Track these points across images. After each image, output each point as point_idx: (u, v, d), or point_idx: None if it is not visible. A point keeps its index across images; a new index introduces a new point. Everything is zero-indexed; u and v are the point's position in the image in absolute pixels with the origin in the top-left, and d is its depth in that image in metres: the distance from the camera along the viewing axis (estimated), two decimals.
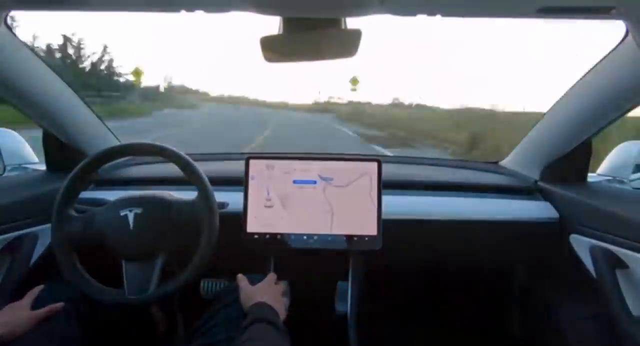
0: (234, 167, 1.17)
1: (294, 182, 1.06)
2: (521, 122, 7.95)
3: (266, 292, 0.86)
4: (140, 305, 0.90)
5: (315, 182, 1.06)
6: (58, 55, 22.24)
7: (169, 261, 0.90)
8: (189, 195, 0.95)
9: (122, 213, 0.88)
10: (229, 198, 1.03)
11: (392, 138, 12.53)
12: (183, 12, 0.71)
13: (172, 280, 0.89)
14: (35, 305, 0.83)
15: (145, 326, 1.13)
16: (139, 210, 0.89)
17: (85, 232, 0.90)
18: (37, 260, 1.02)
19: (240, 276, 0.92)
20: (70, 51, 23.15)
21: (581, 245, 1.05)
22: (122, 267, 0.89)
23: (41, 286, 0.88)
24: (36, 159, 1.39)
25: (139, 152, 1.01)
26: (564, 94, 1.10)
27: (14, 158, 1.33)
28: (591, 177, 1.26)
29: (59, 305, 0.84)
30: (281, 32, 0.80)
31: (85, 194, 1.14)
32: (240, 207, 1.04)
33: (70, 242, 0.89)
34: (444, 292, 1.48)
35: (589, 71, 1.00)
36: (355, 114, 20.94)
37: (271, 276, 0.93)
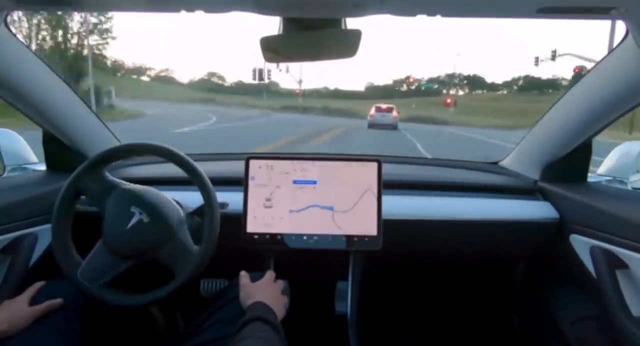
0: (234, 167, 1.17)
1: (294, 182, 1.06)
2: None
3: (265, 291, 0.86)
4: (88, 295, 0.89)
5: (315, 182, 1.06)
6: None
7: (130, 270, 0.90)
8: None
9: (132, 210, 0.89)
10: (229, 198, 1.03)
11: None
12: (183, 12, 0.71)
13: (139, 294, 0.88)
14: (34, 302, 0.83)
15: (144, 324, 1.13)
16: (145, 219, 0.88)
17: (91, 200, 0.93)
18: (37, 260, 1.01)
19: (242, 273, 0.92)
20: None
21: (581, 245, 1.05)
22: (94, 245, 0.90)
23: (41, 283, 0.88)
24: (36, 159, 1.39)
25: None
26: (564, 94, 1.10)
27: (14, 158, 1.33)
28: (591, 177, 1.26)
29: (58, 301, 0.84)
30: (281, 32, 0.80)
31: None
32: (240, 207, 1.04)
33: (72, 202, 0.93)
34: (444, 292, 1.48)
35: (589, 71, 1.00)
36: None
37: (269, 274, 0.93)
